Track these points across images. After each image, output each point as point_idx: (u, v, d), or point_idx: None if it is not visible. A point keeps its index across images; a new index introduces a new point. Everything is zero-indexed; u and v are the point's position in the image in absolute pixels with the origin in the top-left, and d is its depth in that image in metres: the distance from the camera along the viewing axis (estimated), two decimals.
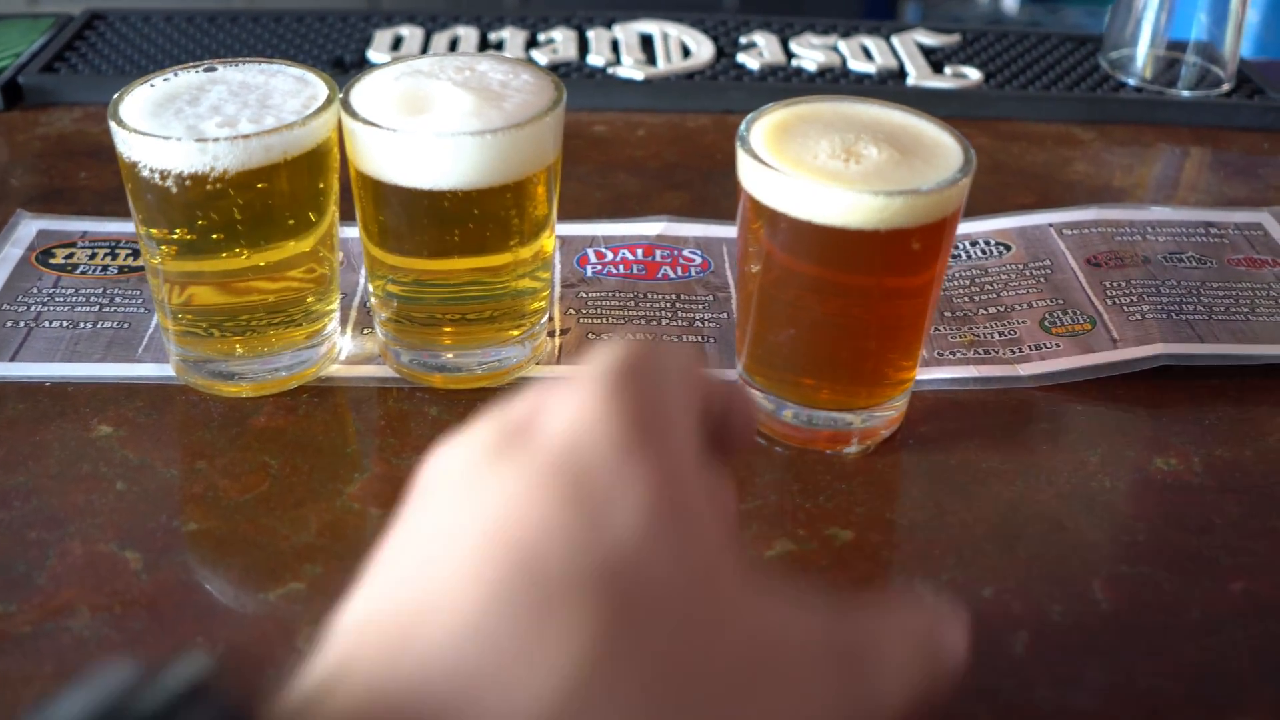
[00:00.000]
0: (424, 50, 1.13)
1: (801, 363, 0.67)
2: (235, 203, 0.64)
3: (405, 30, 1.17)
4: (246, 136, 0.63)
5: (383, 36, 1.16)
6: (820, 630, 0.38)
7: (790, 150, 0.63)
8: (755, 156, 0.62)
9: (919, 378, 0.72)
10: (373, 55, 1.12)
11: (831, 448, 0.69)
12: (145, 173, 0.64)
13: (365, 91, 0.67)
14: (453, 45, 1.15)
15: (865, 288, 0.64)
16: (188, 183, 0.63)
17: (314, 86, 0.68)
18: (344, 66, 1.10)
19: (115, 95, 0.67)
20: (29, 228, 0.86)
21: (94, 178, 0.94)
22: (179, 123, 0.65)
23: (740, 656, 0.35)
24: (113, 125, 0.64)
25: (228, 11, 1.22)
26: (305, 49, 1.14)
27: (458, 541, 0.34)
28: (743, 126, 0.65)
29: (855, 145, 0.63)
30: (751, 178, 0.63)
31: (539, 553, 0.33)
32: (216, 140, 0.62)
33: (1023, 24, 2.83)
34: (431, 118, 0.65)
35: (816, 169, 0.61)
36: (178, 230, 0.66)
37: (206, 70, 0.69)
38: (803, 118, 0.66)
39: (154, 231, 0.66)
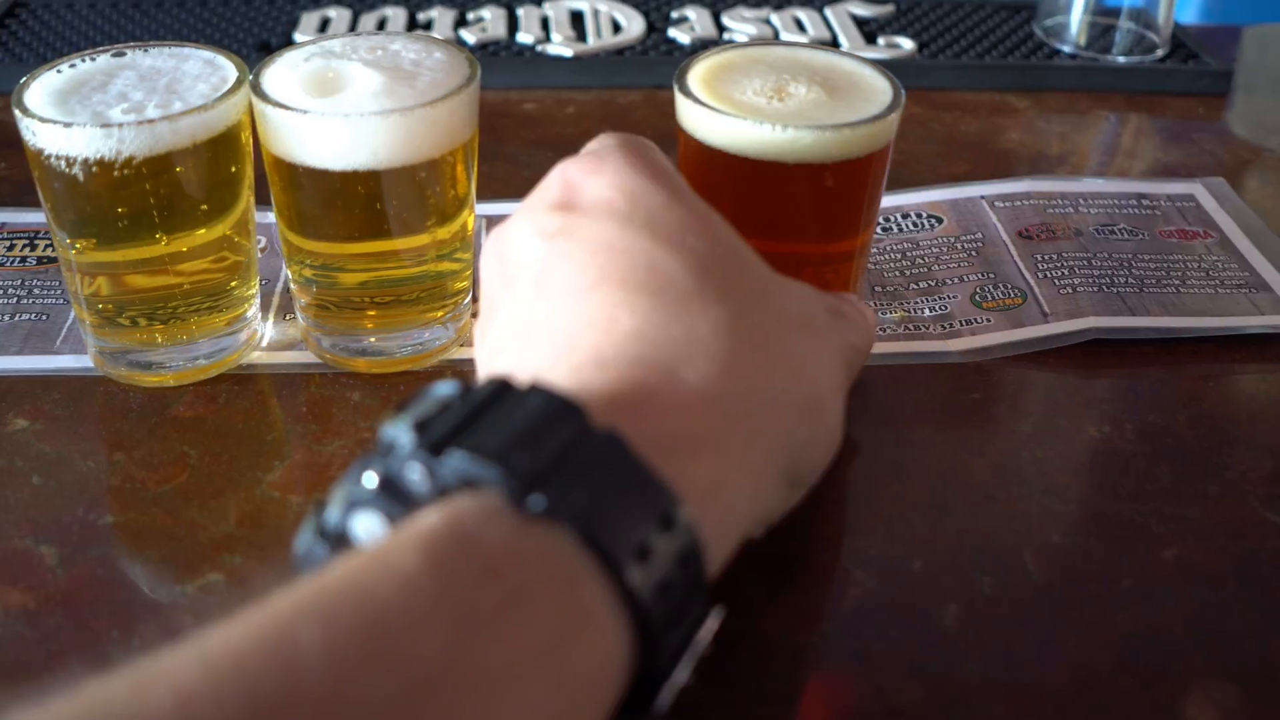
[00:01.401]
0: (351, 31, 1.12)
1: None
2: (145, 189, 0.63)
3: (333, 12, 1.16)
4: (153, 121, 0.62)
5: (309, 19, 1.14)
6: (819, 297, 0.57)
7: (721, 88, 0.66)
8: (687, 93, 0.65)
9: None
10: (299, 38, 1.11)
11: None
12: (52, 160, 0.62)
13: (275, 74, 0.66)
14: (380, 25, 1.13)
15: (791, 224, 0.66)
16: (95, 170, 0.62)
17: (224, 70, 0.67)
18: (269, 50, 1.09)
19: (20, 81, 0.65)
20: None
21: (13, 168, 0.93)
22: (85, 109, 0.63)
23: (786, 312, 0.52)
24: (17, 113, 0.63)
25: None
26: (231, 33, 1.13)
27: (595, 296, 0.49)
28: (679, 68, 0.68)
29: (786, 85, 0.66)
30: (682, 114, 0.66)
31: (658, 275, 0.49)
32: (122, 126, 0.61)
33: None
34: (342, 98, 0.63)
35: (741, 104, 0.64)
36: (88, 219, 0.64)
37: (115, 55, 0.68)
38: (742, 58, 0.69)
39: (65, 221, 0.65)
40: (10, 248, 0.81)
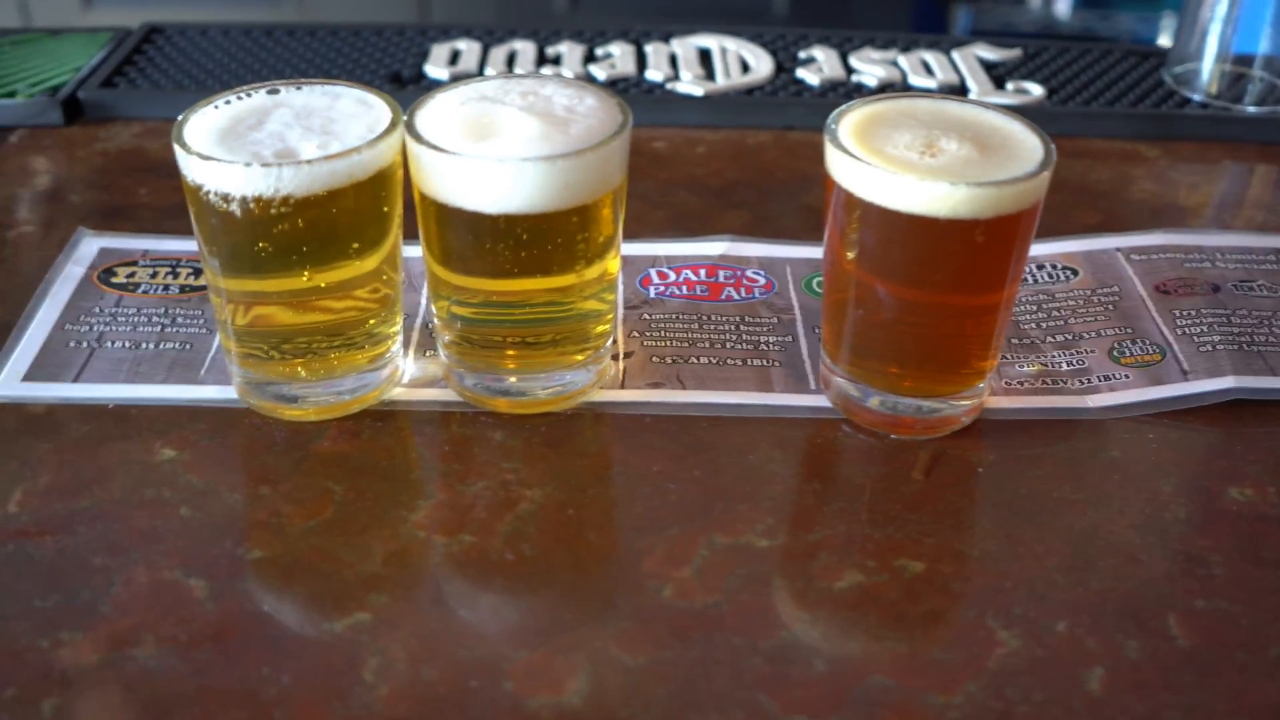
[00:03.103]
0: (481, 65, 1.13)
1: (885, 350, 0.69)
2: (299, 226, 0.64)
3: (462, 44, 1.17)
4: (311, 161, 0.62)
5: (439, 51, 1.15)
6: None
7: (872, 141, 0.66)
8: (839, 145, 0.65)
9: (988, 407, 0.72)
10: (430, 70, 1.12)
11: (915, 434, 0.71)
12: (210, 197, 0.63)
13: (431, 115, 0.67)
14: (510, 60, 1.14)
15: (939, 279, 0.66)
16: (252, 207, 0.63)
17: (377, 109, 0.68)
18: (401, 82, 1.10)
19: (179, 117, 0.66)
20: (90, 246, 0.86)
21: (154, 194, 0.94)
22: (243, 147, 0.64)
23: None
24: (177, 149, 0.64)
25: (284, 25, 1.22)
26: (362, 63, 1.14)
27: None
28: (831, 117, 0.68)
29: (936, 140, 0.66)
30: (833, 165, 0.66)
31: None
32: (281, 165, 0.62)
33: (1076, 29, 2.81)
34: (497, 143, 0.64)
35: (893, 158, 0.64)
36: (241, 252, 0.65)
37: (270, 93, 0.69)
38: (891, 112, 0.69)
39: (218, 252, 0.66)
40: (154, 275, 0.83)
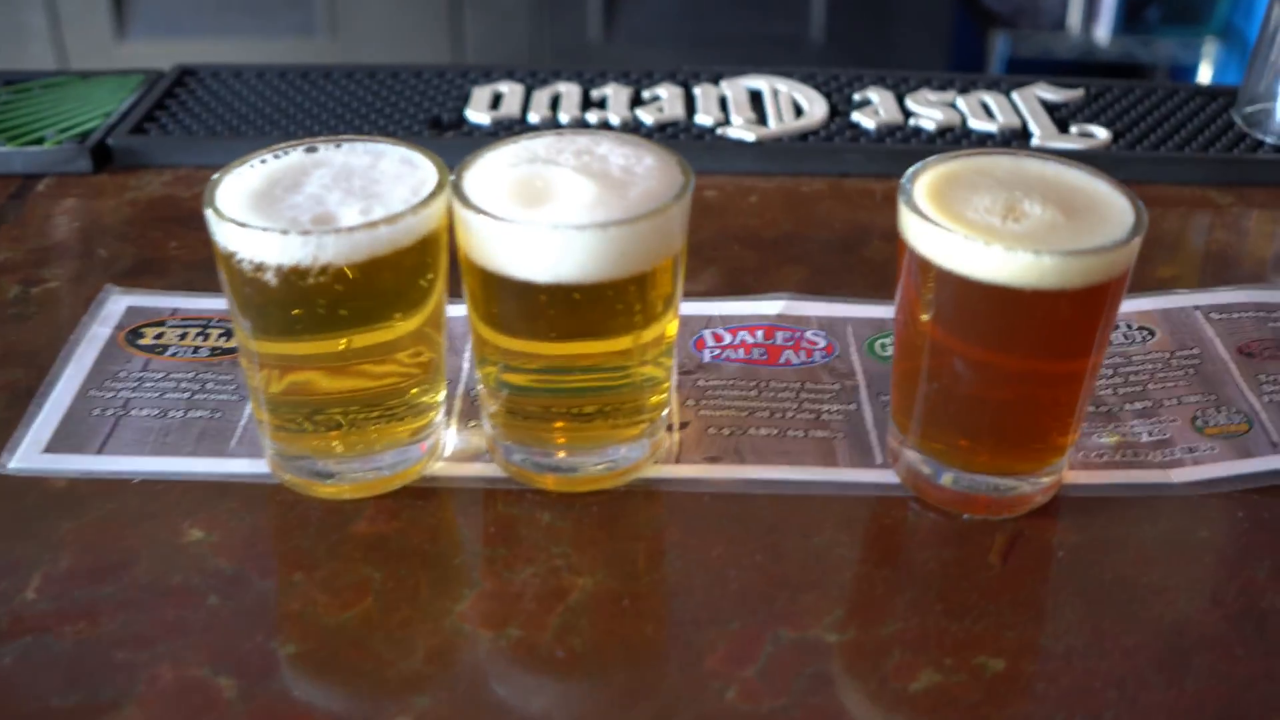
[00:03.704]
0: (524, 109, 1.09)
1: (960, 423, 0.65)
2: (339, 294, 0.60)
3: (504, 87, 1.13)
4: (352, 229, 0.58)
5: (480, 94, 1.11)
6: None
7: (950, 204, 0.62)
8: (915, 209, 0.61)
9: (1066, 482, 0.68)
10: (471, 114, 1.08)
11: (989, 514, 0.66)
12: (243, 265, 0.59)
13: (479, 177, 0.63)
14: (554, 103, 1.10)
15: (1021, 349, 0.63)
16: (289, 276, 0.59)
17: (422, 169, 0.64)
18: (441, 127, 1.06)
19: (214, 177, 0.62)
20: (118, 304, 0.82)
21: (184, 248, 0.91)
22: (279, 212, 0.60)
23: None
24: (209, 214, 0.60)
25: (320, 67, 1.18)
26: (401, 107, 1.10)
27: None
28: (906, 177, 0.64)
29: (1018, 202, 0.62)
30: (909, 229, 0.62)
31: None
32: (321, 233, 0.58)
33: (1116, 56, 2.78)
34: (551, 209, 0.60)
35: (971, 224, 0.60)
36: (275, 321, 0.62)
37: (308, 150, 0.65)
38: (968, 171, 0.65)
39: (250, 318, 0.62)
40: (183, 336, 0.79)
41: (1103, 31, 2.81)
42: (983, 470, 0.65)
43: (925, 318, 0.63)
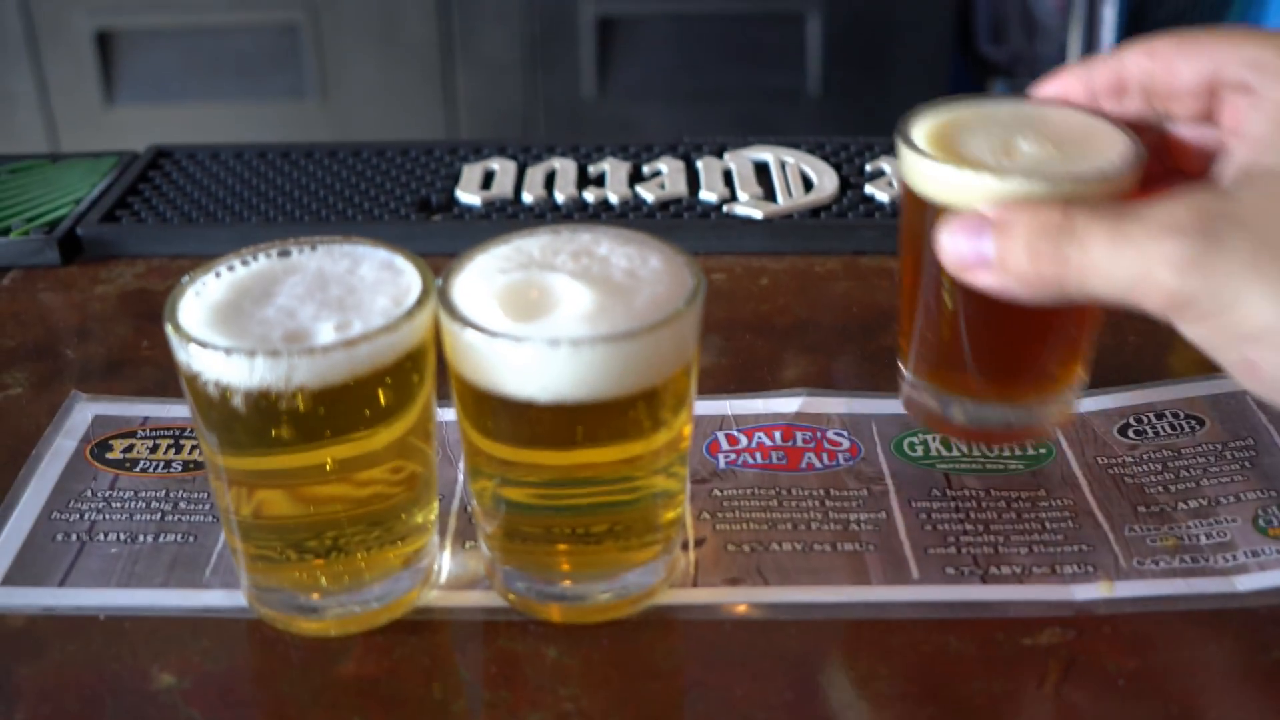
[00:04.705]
0: (517, 188, 1.03)
1: (964, 358, 0.66)
2: (317, 416, 0.54)
3: (496, 164, 1.07)
4: (327, 349, 0.53)
5: (471, 172, 1.06)
6: None
7: (946, 143, 0.63)
8: (911, 145, 0.62)
9: (1118, 595, 0.62)
10: (461, 195, 1.02)
11: (999, 444, 0.71)
12: (209, 388, 0.54)
13: (468, 285, 0.57)
14: (549, 180, 1.04)
15: None
16: (259, 400, 0.53)
17: (404, 274, 0.58)
18: (430, 209, 1.01)
19: (174, 289, 0.57)
20: (84, 413, 0.76)
21: (156, 347, 0.85)
22: (247, 329, 0.54)
23: None
24: (169, 330, 0.54)
25: (302, 146, 1.13)
26: (388, 188, 1.05)
27: None
28: (903, 119, 0.65)
29: (1013, 141, 0.62)
30: (906, 167, 0.64)
31: None
32: (292, 355, 0.52)
33: None
34: (547, 321, 0.54)
35: (966, 160, 0.61)
36: (245, 446, 0.56)
37: (280, 255, 0.59)
38: (969, 115, 0.66)
39: (218, 443, 0.57)
40: (154, 449, 0.73)
41: None
42: (992, 399, 0.67)
43: (924, 253, 0.63)
